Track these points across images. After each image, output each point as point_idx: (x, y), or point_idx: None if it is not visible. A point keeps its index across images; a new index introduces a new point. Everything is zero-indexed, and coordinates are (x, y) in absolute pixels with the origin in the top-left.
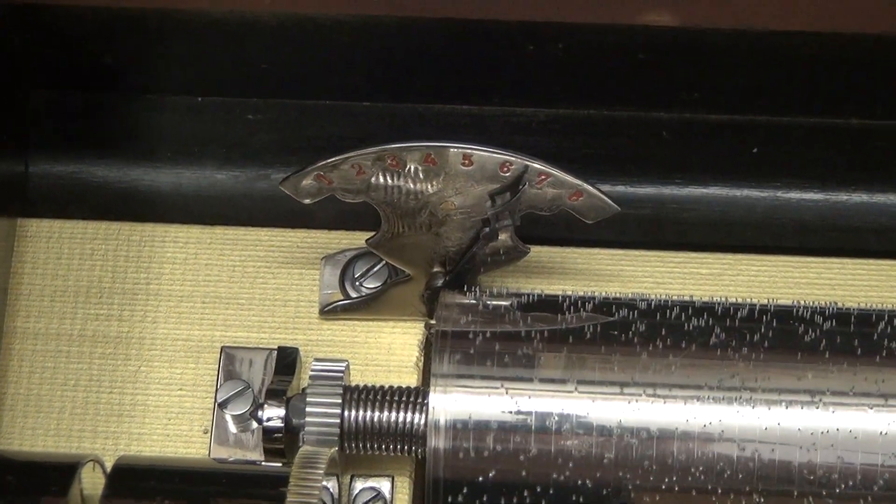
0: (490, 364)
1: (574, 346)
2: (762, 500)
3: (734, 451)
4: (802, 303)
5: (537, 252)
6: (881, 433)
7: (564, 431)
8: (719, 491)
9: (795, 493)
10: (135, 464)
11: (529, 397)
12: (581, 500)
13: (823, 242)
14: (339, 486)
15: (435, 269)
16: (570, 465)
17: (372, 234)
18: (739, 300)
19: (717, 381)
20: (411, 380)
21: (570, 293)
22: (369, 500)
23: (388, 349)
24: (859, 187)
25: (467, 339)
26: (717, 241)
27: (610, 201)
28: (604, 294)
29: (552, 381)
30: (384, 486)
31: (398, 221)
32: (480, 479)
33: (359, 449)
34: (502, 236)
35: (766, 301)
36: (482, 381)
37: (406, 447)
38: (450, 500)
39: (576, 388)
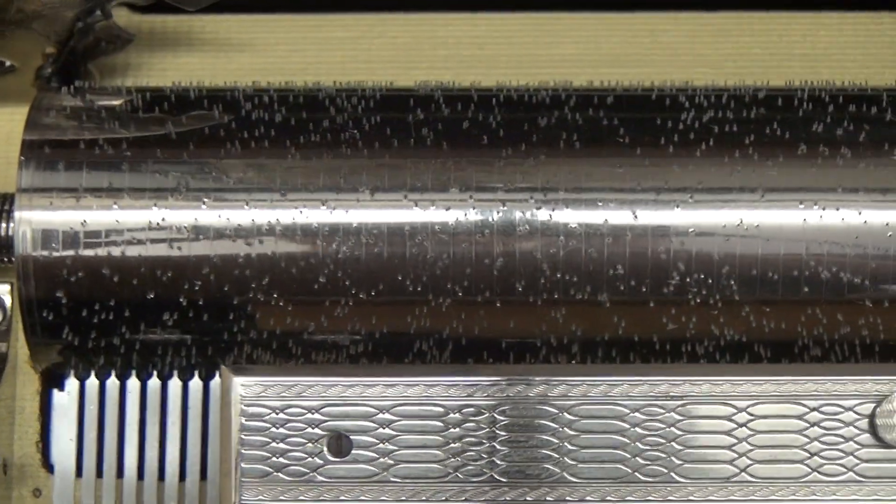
0: (80, 174)
1: (176, 153)
2: None
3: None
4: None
5: (162, 22)
6: None
7: (158, 243)
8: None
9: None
10: None
11: (121, 208)
12: (174, 316)
13: None
14: None
15: (47, 51)
16: (165, 276)
17: None
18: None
19: (337, 182)
20: None
21: (191, 85)
22: None
23: (7, 139)
24: None
25: (58, 147)
26: (359, 2)
27: None
28: (231, 84)
29: (146, 190)
30: (2, 289)
31: None
32: (70, 294)
33: None
34: (100, 27)
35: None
36: (69, 194)
37: (4, 258)
38: (42, 314)
39: (179, 196)
